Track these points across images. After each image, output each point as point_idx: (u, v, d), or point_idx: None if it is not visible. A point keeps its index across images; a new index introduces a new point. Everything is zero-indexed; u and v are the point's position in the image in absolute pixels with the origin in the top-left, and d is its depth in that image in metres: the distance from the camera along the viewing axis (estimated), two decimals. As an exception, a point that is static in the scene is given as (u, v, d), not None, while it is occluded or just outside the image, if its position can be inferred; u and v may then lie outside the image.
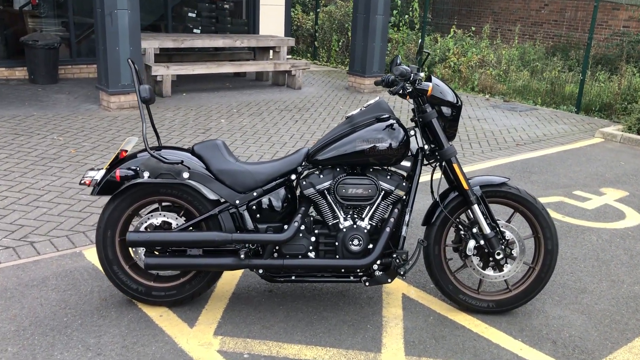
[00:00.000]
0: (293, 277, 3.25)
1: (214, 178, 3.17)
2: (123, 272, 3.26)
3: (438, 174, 5.31)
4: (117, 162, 3.19)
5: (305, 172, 3.28)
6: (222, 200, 3.19)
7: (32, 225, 4.33)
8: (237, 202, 3.18)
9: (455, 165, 3.26)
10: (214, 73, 10.59)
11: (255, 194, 3.19)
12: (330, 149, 3.18)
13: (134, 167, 3.13)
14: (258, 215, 3.21)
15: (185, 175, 3.13)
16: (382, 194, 3.22)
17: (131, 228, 3.34)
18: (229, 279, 3.69)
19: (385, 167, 3.27)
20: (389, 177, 3.23)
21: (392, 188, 3.21)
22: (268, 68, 10.26)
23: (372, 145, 3.12)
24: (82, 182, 3.17)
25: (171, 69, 8.99)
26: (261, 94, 9.85)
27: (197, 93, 9.53)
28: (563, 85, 10.74)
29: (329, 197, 3.22)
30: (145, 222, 3.23)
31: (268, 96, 9.66)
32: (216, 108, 8.52)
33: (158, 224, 3.23)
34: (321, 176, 3.21)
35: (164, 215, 3.23)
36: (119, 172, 3.12)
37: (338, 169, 3.22)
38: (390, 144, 3.13)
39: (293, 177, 3.24)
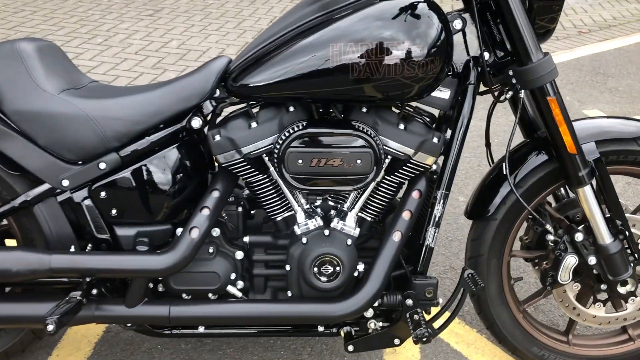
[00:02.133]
0: (201, 329, 1.59)
1: (14, 129, 1.43)
2: None
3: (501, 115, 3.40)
4: None
5: (223, 116, 1.53)
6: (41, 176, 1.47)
7: None
8: (65, 182, 1.46)
9: (551, 101, 1.47)
10: None
11: (102, 165, 1.45)
12: (273, 63, 1.40)
13: None
14: (114, 211, 1.49)
15: (-58, 123, 1.39)
16: (386, 163, 1.48)
17: None
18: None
19: (396, 104, 1.51)
20: (401, 125, 1.47)
21: (410, 150, 1.46)
22: None
23: (369, 54, 1.34)
24: None
25: None
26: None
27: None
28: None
29: (271, 169, 1.49)
30: None
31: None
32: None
33: None
34: (253, 124, 1.45)
35: None
36: None
37: (291, 109, 1.46)
38: (410, 52, 1.34)
39: (196, 123, 1.49)
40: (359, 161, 1.41)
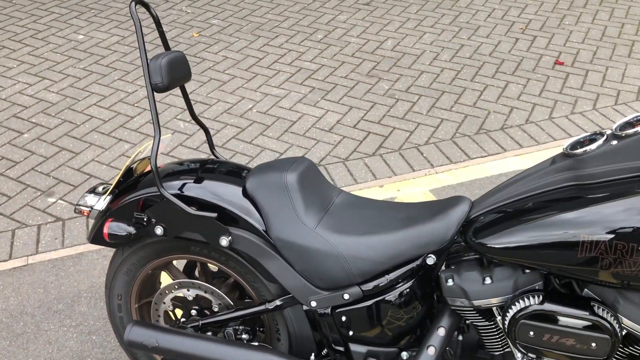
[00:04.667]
0: None
1: (277, 252, 1.66)
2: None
3: None
4: (132, 182, 1.83)
5: (457, 261, 1.60)
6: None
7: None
8: (313, 303, 1.67)
9: None
10: None
11: (346, 296, 1.63)
12: (516, 229, 1.44)
13: (140, 216, 1.74)
14: (351, 332, 1.68)
15: (224, 242, 1.65)
16: (621, 337, 1.46)
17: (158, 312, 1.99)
18: None
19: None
20: (645, 306, 1.43)
21: (654, 335, 1.43)
22: None
23: (625, 250, 1.32)
24: (78, 210, 1.90)
25: None
26: None
27: None
28: None
29: (498, 318, 1.55)
30: (168, 294, 1.90)
31: None
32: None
33: (192, 298, 1.88)
34: (487, 280, 1.52)
35: (199, 287, 1.86)
36: (107, 228, 1.76)
37: (527, 271, 1.49)
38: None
39: (430, 261, 1.60)
40: (593, 344, 1.41)
